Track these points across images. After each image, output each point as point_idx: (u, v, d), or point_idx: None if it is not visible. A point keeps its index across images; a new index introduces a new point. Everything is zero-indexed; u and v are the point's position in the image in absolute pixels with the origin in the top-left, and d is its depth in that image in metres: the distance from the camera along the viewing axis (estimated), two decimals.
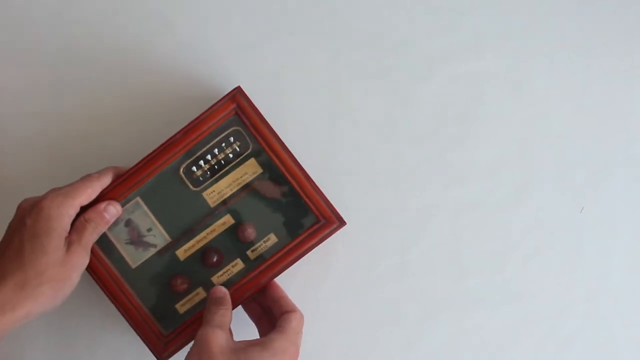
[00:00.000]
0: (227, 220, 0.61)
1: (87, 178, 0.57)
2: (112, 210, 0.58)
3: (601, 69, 0.68)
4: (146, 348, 0.62)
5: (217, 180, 0.61)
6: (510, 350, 0.64)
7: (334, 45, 0.68)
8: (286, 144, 0.62)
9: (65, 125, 0.66)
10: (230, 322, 0.56)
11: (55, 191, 0.55)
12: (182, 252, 0.61)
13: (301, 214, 0.61)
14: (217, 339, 0.51)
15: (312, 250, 0.62)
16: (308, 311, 0.65)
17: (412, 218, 0.66)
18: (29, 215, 0.53)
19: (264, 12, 0.69)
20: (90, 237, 0.56)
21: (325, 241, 0.61)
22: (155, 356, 0.60)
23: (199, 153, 0.61)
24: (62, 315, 0.65)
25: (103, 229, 0.58)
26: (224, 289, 0.58)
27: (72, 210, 0.54)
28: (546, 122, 0.67)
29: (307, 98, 0.68)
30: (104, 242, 0.60)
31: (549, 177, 0.67)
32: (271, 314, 0.60)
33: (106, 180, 0.58)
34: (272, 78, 0.68)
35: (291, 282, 0.65)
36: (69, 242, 0.54)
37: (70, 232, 0.55)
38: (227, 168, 0.61)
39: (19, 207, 0.55)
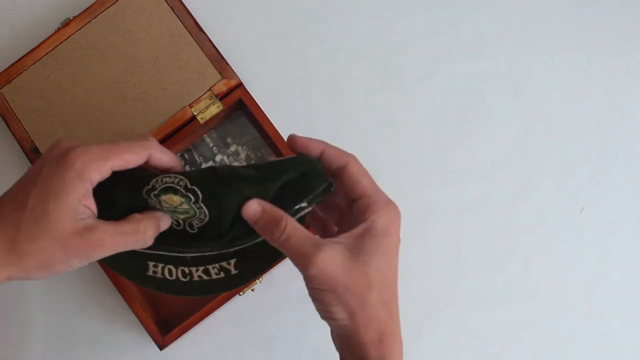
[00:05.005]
0: None
1: (134, 140, 0.45)
2: (165, 224, 0.47)
3: (601, 69, 0.68)
4: (147, 345, 0.62)
5: None
6: (510, 350, 0.64)
7: (334, 45, 0.68)
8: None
9: None
10: None
11: (91, 145, 0.43)
12: None
13: None
14: (331, 255, 0.42)
15: None
16: (308, 312, 0.65)
17: (412, 218, 0.66)
18: (49, 164, 0.42)
19: (265, 13, 0.69)
20: (119, 244, 0.43)
21: None
22: (155, 342, 0.60)
23: None
24: (62, 313, 0.65)
25: (138, 246, 0.45)
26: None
27: (97, 173, 0.43)
28: (546, 122, 0.67)
29: (308, 98, 0.68)
30: None
31: (548, 177, 0.67)
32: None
33: (157, 154, 0.46)
34: (272, 78, 0.68)
35: (291, 283, 0.65)
36: (86, 225, 0.42)
37: (98, 211, 0.44)
38: None
39: (51, 148, 0.44)
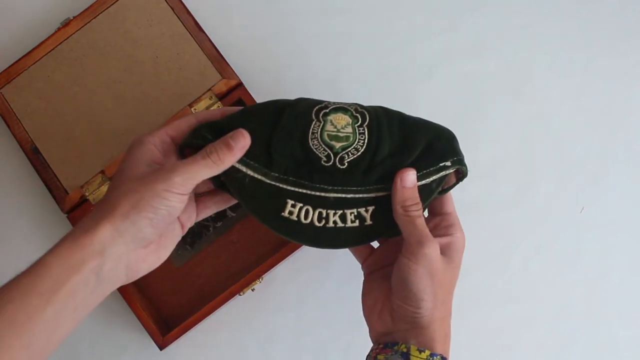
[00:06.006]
0: None
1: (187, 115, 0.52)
2: (240, 142, 0.47)
3: (601, 69, 0.68)
4: (147, 345, 0.62)
5: None
6: (510, 350, 0.64)
7: (334, 45, 0.68)
8: None
9: None
10: None
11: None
12: None
13: None
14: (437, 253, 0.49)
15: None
16: (308, 312, 0.65)
17: None
18: None
19: (265, 13, 0.69)
20: (192, 167, 0.45)
21: None
22: (155, 342, 0.61)
23: None
24: None
25: (223, 163, 0.46)
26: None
27: (154, 137, 0.48)
28: (546, 122, 0.67)
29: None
30: None
31: (549, 177, 0.67)
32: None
33: (205, 116, 0.51)
34: (272, 78, 0.68)
35: (291, 283, 0.65)
36: (158, 168, 0.46)
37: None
38: None
39: None
